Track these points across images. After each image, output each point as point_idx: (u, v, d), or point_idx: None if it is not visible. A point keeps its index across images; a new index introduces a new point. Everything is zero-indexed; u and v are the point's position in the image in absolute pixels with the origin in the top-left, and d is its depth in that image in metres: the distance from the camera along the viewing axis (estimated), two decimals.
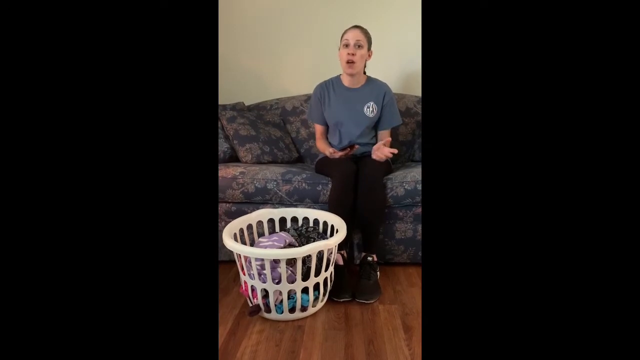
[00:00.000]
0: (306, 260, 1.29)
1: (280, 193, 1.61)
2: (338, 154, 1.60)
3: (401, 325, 1.24)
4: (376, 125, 1.77)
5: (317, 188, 1.60)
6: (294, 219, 1.58)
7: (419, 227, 1.62)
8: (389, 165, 1.72)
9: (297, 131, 2.13)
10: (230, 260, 1.67)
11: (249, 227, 1.59)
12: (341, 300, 1.38)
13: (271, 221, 1.60)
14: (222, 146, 1.92)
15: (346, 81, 1.73)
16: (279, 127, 2.09)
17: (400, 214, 1.59)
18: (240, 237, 1.48)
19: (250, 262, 1.24)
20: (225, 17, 2.17)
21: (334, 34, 1.85)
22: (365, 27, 1.64)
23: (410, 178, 1.56)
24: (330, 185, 1.57)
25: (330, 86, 1.75)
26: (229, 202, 1.64)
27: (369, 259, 1.50)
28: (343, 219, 1.41)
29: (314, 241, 1.43)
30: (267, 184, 1.60)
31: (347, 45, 1.60)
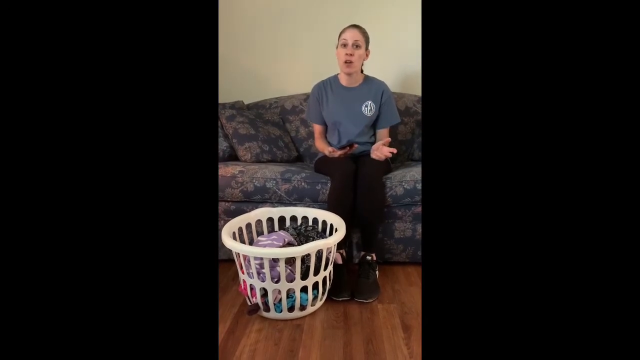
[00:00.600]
0: (305, 259, 1.29)
1: (279, 192, 1.61)
2: (337, 153, 1.60)
3: (400, 324, 1.25)
4: (375, 124, 1.76)
5: (317, 187, 1.60)
6: (293, 218, 1.58)
7: (418, 227, 1.62)
8: (388, 165, 1.72)
9: (297, 130, 2.13)
10: (229, 259, 1.66)
11: (248, 226, 1.59)
12: (340, 299, 1.38)
13: (270, 220, 1.60)
14: (222, 145, 1.92)
15: (344, 80, 1.72)
16: (278, 126, 2.08)
17: (400, 213, 1.59)
18: (239, 236, 1.48)
19: (249, 261, 1.24)
20: (225, 16, 2.16)
21: (333, 33, 1.85)
22: (364, 26, 1.64)
23: (409, 177, 1.56)
24: (329, 185, 1.57)
25: (328, 86, 1.75)
26: (228, 201, 1.64)
27: (368, 258, 1.51)
28: (342, 218, 1.41)
29: (313, 240, 1.43)
30: (267, 183, 1.60)
31: (345, 45, 1.60)
